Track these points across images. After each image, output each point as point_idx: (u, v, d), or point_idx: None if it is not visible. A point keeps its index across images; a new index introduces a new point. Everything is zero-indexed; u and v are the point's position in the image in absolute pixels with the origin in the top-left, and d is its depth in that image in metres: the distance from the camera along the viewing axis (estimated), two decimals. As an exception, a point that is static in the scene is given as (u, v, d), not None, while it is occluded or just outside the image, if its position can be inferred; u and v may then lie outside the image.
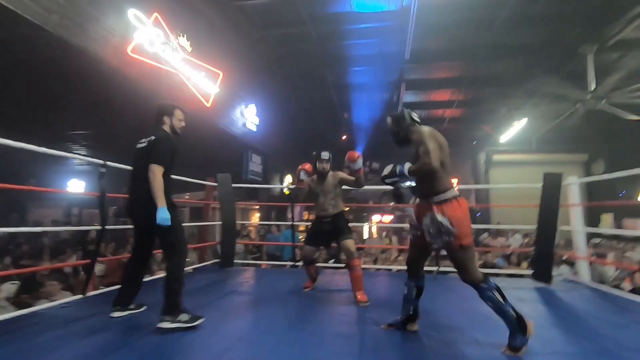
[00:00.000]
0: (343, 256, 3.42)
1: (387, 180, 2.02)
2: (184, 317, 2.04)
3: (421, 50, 6.84)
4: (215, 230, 4.98)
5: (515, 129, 9.48)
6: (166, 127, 2.33)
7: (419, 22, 5.76)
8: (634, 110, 6.72)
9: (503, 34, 6.18)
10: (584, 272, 4.00)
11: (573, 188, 4.09)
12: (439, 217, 1.82)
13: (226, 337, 2.01)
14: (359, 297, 2.72)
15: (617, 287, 4.19)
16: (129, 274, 2.37)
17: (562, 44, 6.28)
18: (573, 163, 11.04)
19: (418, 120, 2.12)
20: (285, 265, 6.05)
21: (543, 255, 3.73)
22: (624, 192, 10.20)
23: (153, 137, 2.22)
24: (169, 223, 2.09)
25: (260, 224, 8.41)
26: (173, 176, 3.75)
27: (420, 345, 1.96)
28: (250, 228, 8.57)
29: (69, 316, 2.31)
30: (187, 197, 10.40)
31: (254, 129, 7.07)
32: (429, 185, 1.91)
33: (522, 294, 3.19)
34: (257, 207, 9.46)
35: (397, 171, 1.95)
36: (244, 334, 2.11)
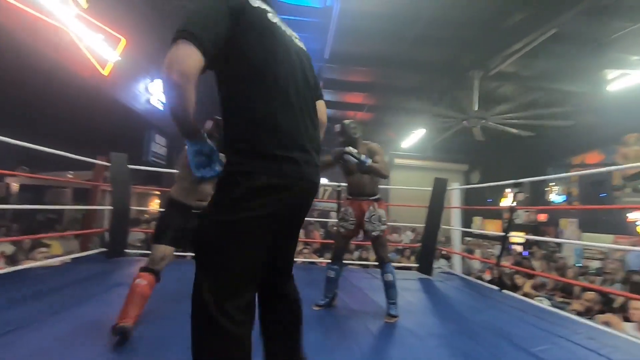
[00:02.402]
0: None
1: (346, 156, 2.35)
2: None
3: (340, 52, 7.09)
4: (105, 216, 4.43)
5: (415, 136, 10.57)
6: None
7: (341, 24, 5.97)
8: (499, 132, 8.11)
9: (413, 49, 6.79)
10: (457, 265, 4.70)
11: (455, 192, 4.75)
12: (380, 211, 2.51)
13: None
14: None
15: (480, 277, 5.05)
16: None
17: (457, 66, 7.19)
18: (457, 171, 12.80)
19: None
20: (185, 255, 5.77)
21: (427, 250, 4.26)
22: (490, 199, 12.26)
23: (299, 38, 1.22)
24: None
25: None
26: (54, 151, 3.20)
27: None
28: (146, 215, 7.82)
29: None
30: (70, 176, 9.02)
31: (160, 107, 6.43)
32: (373, 187, 2.56)
33: (406, 284, 3.59)
34: (158, 192, 8.68)
35: (361, 159, 2.33)
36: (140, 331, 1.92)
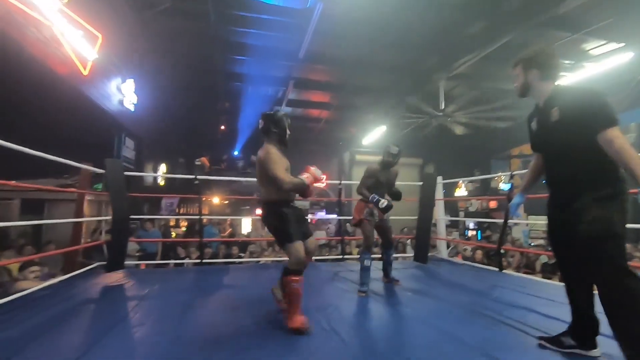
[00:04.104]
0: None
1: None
2: None
3: (314, 53, 7.23)
4: (87, 228, 4.11)
5: (375, 133, 11.07)
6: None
7: (319, 26, 6.11)
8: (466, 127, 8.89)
9: (384, 53, 7.17)
10: (443, 250, 5.15)
11: (439, 187, 5.19)
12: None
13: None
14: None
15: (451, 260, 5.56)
16: None
17: (424, 69, 7.73)
18: (413, 165, 13.66)
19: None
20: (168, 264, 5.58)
21: (422, 241, 4.62)
22: (444, 191, 13.29)
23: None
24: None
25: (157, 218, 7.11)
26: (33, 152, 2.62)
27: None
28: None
29: None
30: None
31: (132, 108, 6.02)
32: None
33: (413, 272, 3.93)
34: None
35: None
36: (197, 343, 1.94)
